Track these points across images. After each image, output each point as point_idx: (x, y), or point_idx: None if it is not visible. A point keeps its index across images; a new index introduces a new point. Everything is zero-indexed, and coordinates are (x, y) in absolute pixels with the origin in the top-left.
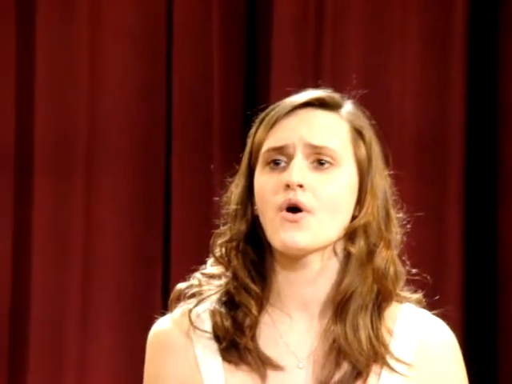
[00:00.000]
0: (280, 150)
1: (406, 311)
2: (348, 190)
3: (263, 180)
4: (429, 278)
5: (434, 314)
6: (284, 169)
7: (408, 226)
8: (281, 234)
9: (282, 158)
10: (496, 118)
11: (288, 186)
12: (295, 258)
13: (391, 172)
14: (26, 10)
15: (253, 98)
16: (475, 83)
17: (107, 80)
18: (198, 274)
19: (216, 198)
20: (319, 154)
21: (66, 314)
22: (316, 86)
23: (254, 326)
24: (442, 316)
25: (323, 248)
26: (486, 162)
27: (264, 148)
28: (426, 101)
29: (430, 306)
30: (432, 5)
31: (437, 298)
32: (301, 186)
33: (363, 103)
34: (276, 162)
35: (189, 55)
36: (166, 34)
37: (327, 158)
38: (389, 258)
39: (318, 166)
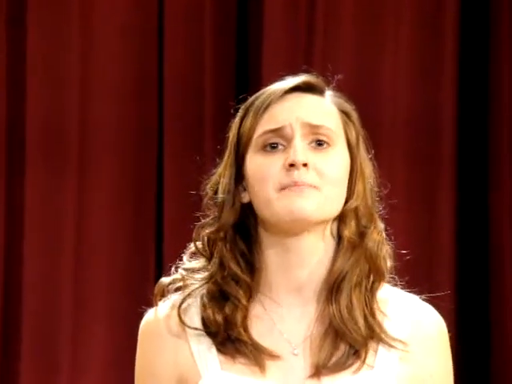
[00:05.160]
0: (277, 131)
1: (395, 294)
2: (345, 170)
3: (260, 162)
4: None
5: (425, 300)
6: (282, 151)
7: (398, 209)
8: (287, 204)
9: (279, 141)
10: (487, 101)
11: (292, 166)
12: (292, 235)
13: (380, 156)
14: None
15: (245, 87)
16: (467, 67)
17: (99, 71)
18: (180, 270)
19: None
20: (317, 133)
21: (59, 300)
22: (305, 72)
23: (245, 317)
24: (434, 303)
25: (320, 226)
26: (477, 144)
27: (258, 132)
28: (417, 85)
29: (422, 292)
30: None
31: (430, 294)
32: (305, 165)
33: (356, 87)
34: (272, 146)
35: (180, 42)
36: (158, 21)
37: (325, 138)
38: (380, 239)
39: (317, 147)
